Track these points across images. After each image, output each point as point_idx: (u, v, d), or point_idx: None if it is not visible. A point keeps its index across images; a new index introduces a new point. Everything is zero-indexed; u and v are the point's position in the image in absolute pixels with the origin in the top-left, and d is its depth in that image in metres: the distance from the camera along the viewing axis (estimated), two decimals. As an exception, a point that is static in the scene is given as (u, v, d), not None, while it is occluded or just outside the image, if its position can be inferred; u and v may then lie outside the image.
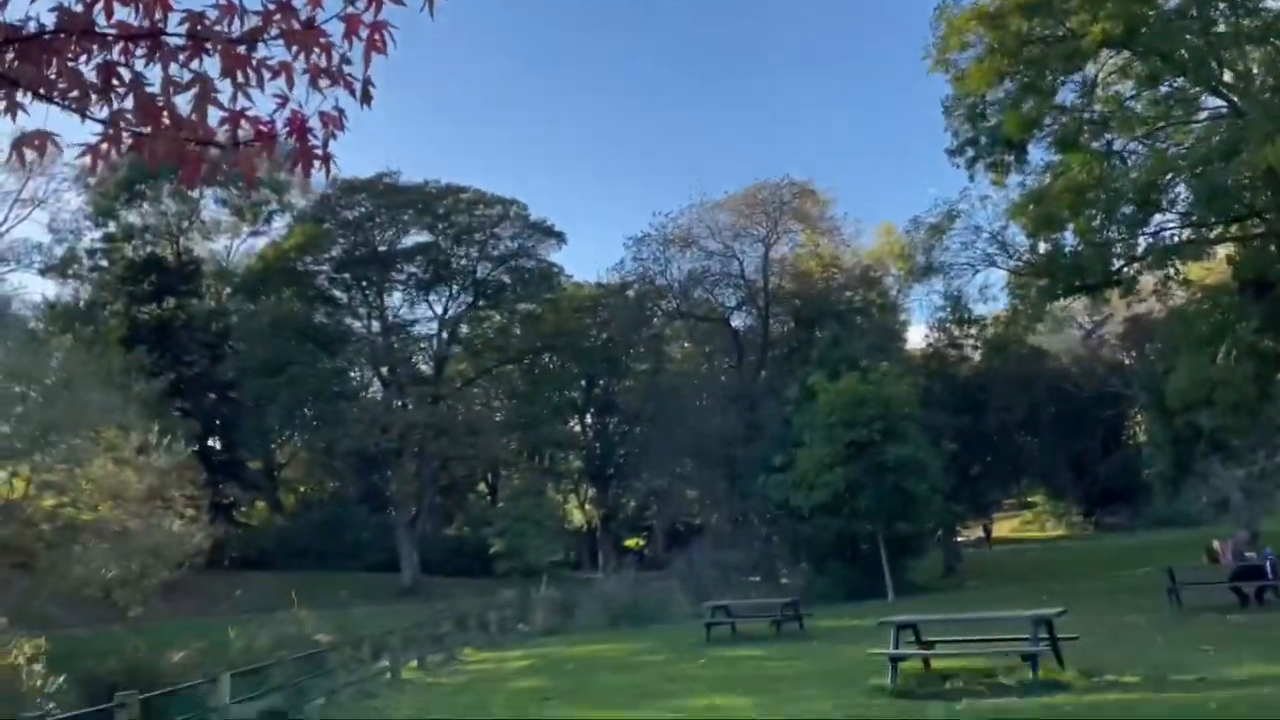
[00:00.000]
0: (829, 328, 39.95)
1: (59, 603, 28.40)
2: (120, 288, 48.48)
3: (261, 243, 56.01)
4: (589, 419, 62.72)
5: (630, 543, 41.25)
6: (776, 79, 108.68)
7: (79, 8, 3.39)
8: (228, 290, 55.88)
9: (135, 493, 29.42)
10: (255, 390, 48.21)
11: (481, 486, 64.93)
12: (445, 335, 54.88)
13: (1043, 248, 27.47)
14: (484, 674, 19.13)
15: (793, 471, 30.26)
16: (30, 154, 3.66)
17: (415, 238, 52.44)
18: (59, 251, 47.29)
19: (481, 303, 55.45)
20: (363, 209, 50.87)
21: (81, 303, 50.45)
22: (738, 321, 49.77)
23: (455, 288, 53.92)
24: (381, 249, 51.38)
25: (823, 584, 32.26)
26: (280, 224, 55.40)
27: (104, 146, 3.78)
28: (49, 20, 3.50)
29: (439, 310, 54.51)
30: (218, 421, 49.11)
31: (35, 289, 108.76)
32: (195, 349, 48.34)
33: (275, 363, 47.76)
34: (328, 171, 4.16)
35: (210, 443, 47.47)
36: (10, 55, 3.48)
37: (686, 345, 56.93)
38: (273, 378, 47.31)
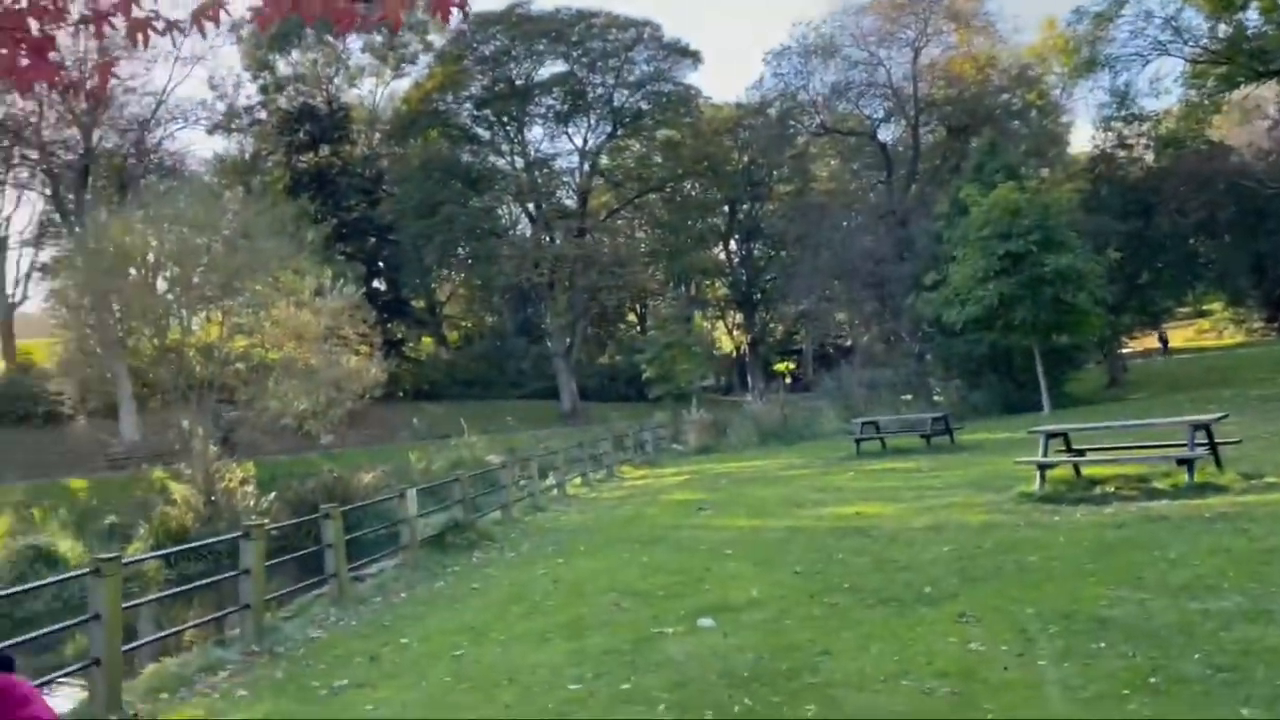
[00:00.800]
0: (984, 134, 37.86)
1: (260, 433, 31.57)
2: (279, 139, 50.63)
3: (405, 85, 56.89)
4: (734, 245, 62.46)
5: (780, 366, 41.62)
6: None
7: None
8: (377, 135, 57.44)
9: (314, 333, 31.80)
10: (412, 231, 50.25)
11: (631, 316, 66.43)
12: (587, 167, 55.12)
13: (1223, 30, 24.84)
14: (642, 489, 20.34)
15: (945, 288, 29.62)
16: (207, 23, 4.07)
17: (551, 68, 52.16)
18: (220, 107, 49.52)
19: (620, 131, 55.11)
20: (498, 42, 50.71)
21: (246, 155, 53.05)
22: (885, 134, 47.72)
23: (594, 117, 53.69)
24: (519, 83, 51.42)
25: (977, 399, 32.04)
26: (421, 65, 55.93)
27: (268, 10, 4.14)
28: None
29: (579, 142, 54.62)
30: (380, 263, 51.71)
31: (204, 145, 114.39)
32: (353, 194, 50.43)
33: (428, 204, 49.48)
34: (465, 15, 4.43)
35: (375, 284, 50.20)
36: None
37: (832, 163, 55.19)
38: (427, 219, 49.17)
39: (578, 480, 22.66)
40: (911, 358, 38.95)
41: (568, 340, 52.29)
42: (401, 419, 40.23)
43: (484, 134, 54.53)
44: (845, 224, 47.95)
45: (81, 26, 4.30)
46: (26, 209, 58.81)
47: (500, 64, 51.07)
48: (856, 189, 53.21)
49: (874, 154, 48.20)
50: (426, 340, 58.05)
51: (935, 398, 36.08)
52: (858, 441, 21.70)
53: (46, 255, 44.56)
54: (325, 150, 49.92)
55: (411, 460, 30.11)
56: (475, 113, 53.25)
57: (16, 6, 3.93)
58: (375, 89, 58.80)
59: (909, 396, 34.73)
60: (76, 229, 38.67)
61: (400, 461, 30.40)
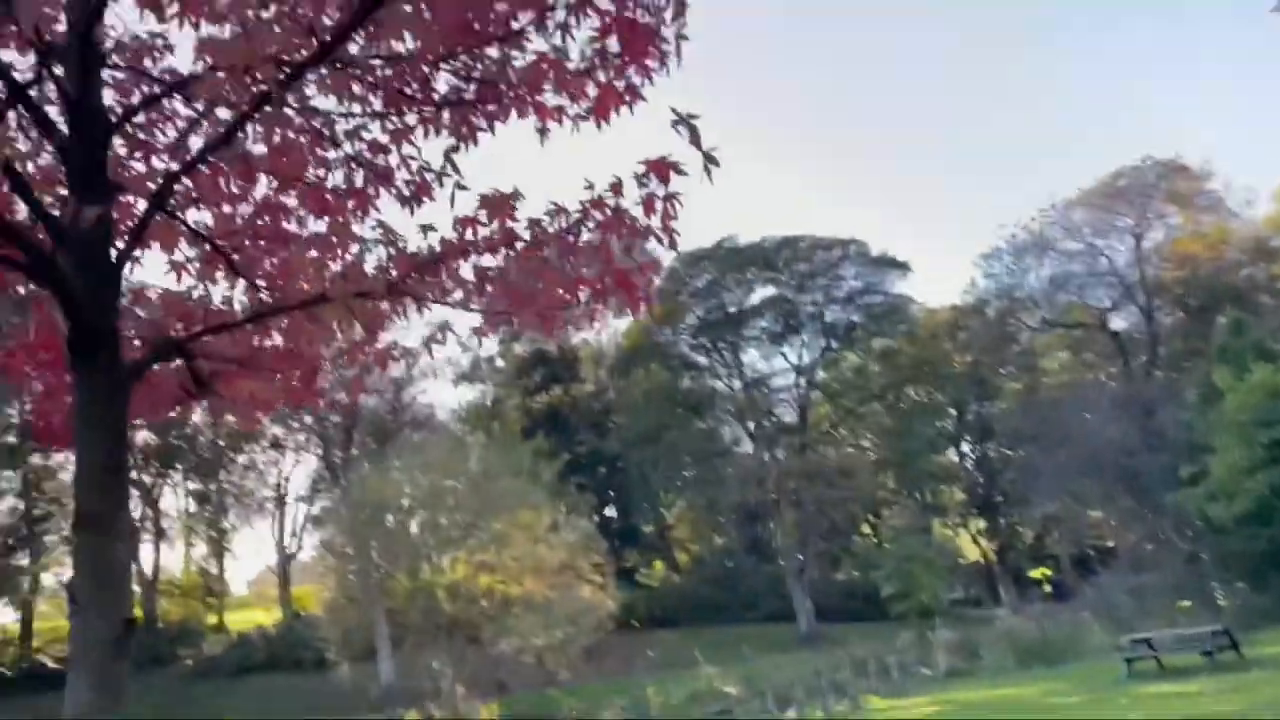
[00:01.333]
0: (1227, 313, 35.43)
1: (504, 670, 32.40)
2: (515, 384, 54.84)
3: (627, 322, 60.78)
4: (965, 448, 60.08)
5: (1035, 574, 38.64)
6: (1105, 46, 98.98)
7: (454, 236, 4.44)
8: (603, 371, 61.01)
9: (551, 566, 33.00)
10: (639, 459, 52.00)
11: (865, 528, 64.30)
12: (804, 382, 55.72)
13: None
14: (888, 723, 19.07)
15: (1206, 481, 27.04)
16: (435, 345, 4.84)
17: (761, 293, 54.26)
18: (464, 362, 54.64)
19: (835, 345, 55.75)
20: (709, 275, 53.60)
21: (487, 401, 57.62)
22: (1117, 323, 45.57)
23: (807, 334, 54.80)
24: (732, 309, 53.70)
25: (1263, 603, 28.25)
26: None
27: (486, 328, 4.88)
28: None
29: (794, 360, 55.60)
30: (611, 491, 53.44)
31: (451, 395, 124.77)
32: (583, 428, 53.21)
33: (653, 431, 51.37)
34: (650, 309, 5.03)
35: (607, 512, 51.75)
36: (411, 276, 4.58)
37: (1061, 356, 52.98)
38: (652, 445, 50.90)
39: (819, 713, 21.56)
40: (1182, 559, 35.14)
41: (799, 558, 51.11)
42: (638, 649, 40.09)
43: (702, 360, 56.72)
44: (1084, 417, 45.27)
45: (339, 358, 5.20)
46: (302, 468, 65.69)
47: (713, 294, 53.76)
48: (1091, 380, 50.51)
49: (1106, 343, 45.96)
50: (658, 565, 58.46)
51: (1220, 603, 32.15)
52: (1128, 661, 19.57)
53: (318, 508, 49.36)
54: (557, 390, 53.42)
55: (649, 695, 29.75)
56: (692, 341, 55.74)
57: (288, 349, 4.85)
58: (600, 331, 63.18)
59: (1187, 603, 31.15)
60: (342, 482, 42.82)
61: (638, 696, 30.10)
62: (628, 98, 4.32)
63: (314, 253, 4.60)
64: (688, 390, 55.73)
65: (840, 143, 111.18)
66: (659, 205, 4.23)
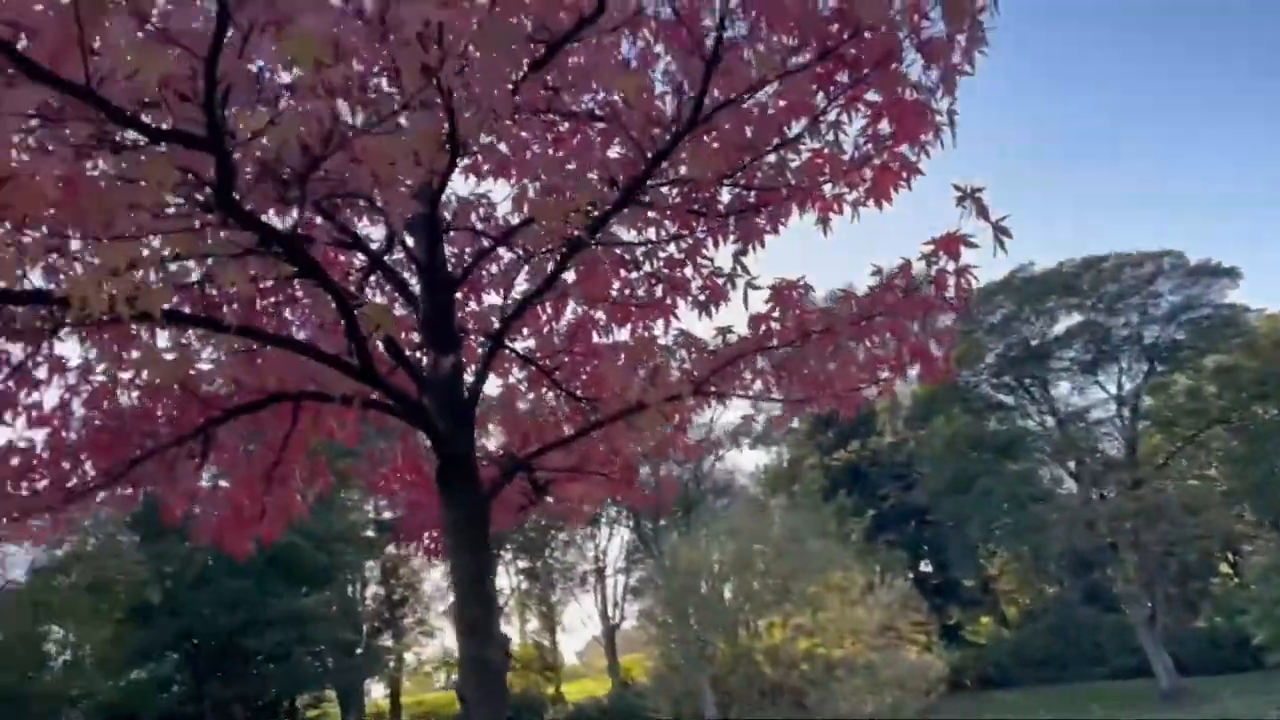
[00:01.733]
0: None
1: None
2: (810, 443, 54.48)
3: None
4: (1339, 467, 51.87)
5: None
6: None
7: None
8: (900, 421, 59.14)
9: (870, 628, 32.12)
10: (949, 510, 49.56)
11: (1224, 568, 56.99)
12: (1128, 413, 50.85)
13: None
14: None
15: None
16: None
17: (1066, 321, 50.46)
18: (759, 425, 55.16)
19: (1159, 368, 50.55)
20: (1005, 309, 50.74)
21: (784, 462, 57.60)
22: None
23: (1124, 360, 50.16)
24: (1034, 342, 50.35)
25: None
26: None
27: (785, 416, 5.04)
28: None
29: (1113, 389, 50.98)
30: (923, 546, 51.26)
31: (746, 460, 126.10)
32: (885, 482, 51.67)
33: (962, 479, 48.82)
34: (949, 375, 4.99)
35: (922, 567, 49.63)
36: (713, 376, 4.84)
37: None
38: (963, 494, 48.33)
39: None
40: None
41: (1148, 605, 46.10)
42: (975, 712, 37.80)
43: (1007, 399, 53.49)
44: None
45: (652, 454, 5.57)
46: (617, 540, 68.70)
47: (1011, 329, 50.80)
48: None
49: None
50: (984, 621, 55.00)
51: None
52: None
53: (634, 578, 51.33)
54: (854, 445, 52.41)
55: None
56: (994, 381, 52.77)
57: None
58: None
59: None
60: (655, 552, 44.36)
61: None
62: (905, 174, 4.38)
63: (623, 361, 5.01)
64: (995, 433, 52.59)
65: (1135, 144, 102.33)
66: (950, 281, 4.23)
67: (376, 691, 52.74)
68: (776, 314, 4.61)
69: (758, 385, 4.79)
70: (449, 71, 2.24)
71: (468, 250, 4.75)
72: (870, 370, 4.69)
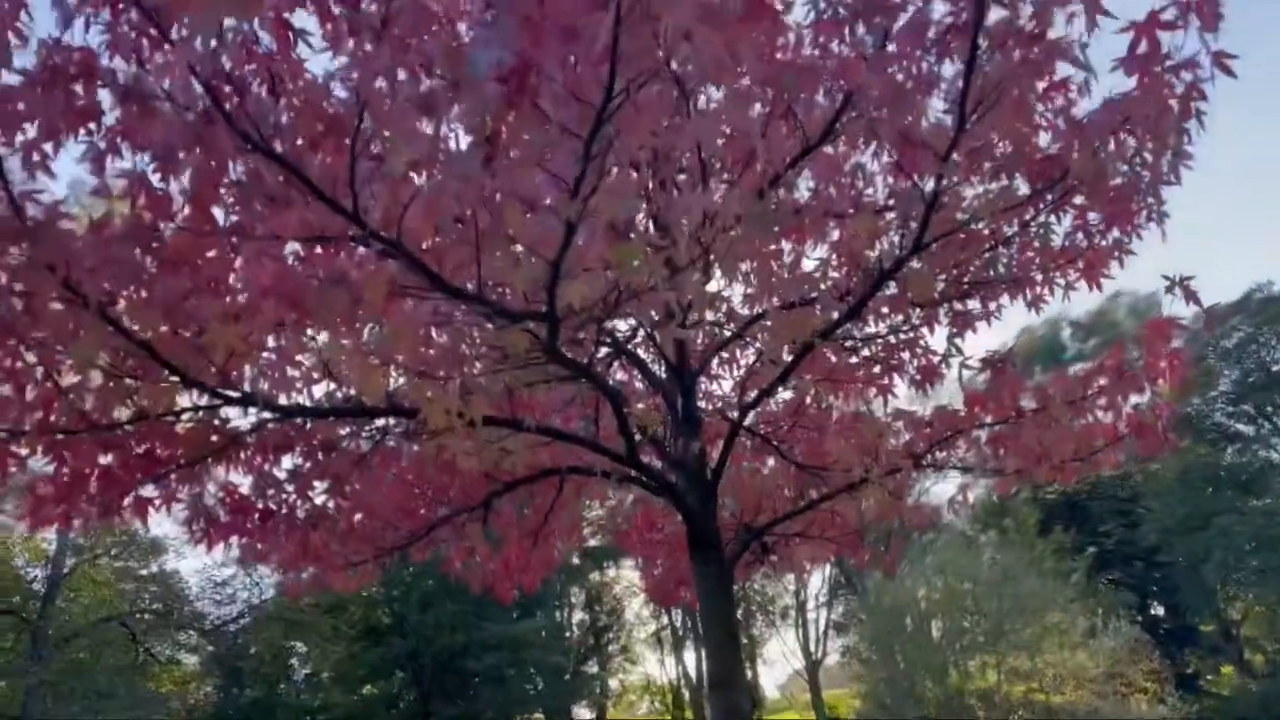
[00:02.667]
0: None
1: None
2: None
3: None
4: None
5: None
6: None
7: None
8: (1121, 454, 55.48)
9: (1093, 674, 30.33)
10: (1183, 549, 45.95)
11: None
12: (1393, 443, 45.63)
13: None
14: None
15: None
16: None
17: (1313, 344, 45.96)
18: (977, 492, 53.16)
19: None
20: (1241, 332, 46.82)
21: (994, 495, 55.16)
22: None
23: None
24: (1276, 368, 46.15)
25: None
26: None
27: (1003, 485, 5.31)
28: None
29: (1373, 416, 45.90)
30: (1153, 587, 47.66)
31: (952, 489, 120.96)
32: (1107, 517, 48.50)
33: (1195, 516, 45.19)
34: (1169, 446, 5.13)
35: (1152, 610, 46.15)
36: (932, 449, 5.19)
37: None
38: (1198, 533, 44.69)
39: None
40: None
41: None
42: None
43: (1245, 429, 49.16)
44: None
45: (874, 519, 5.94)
46: (818, 574, 67.80)
47: (1248, 353, 46.80)
48: None
49: None
50: (1226, 670, 50.35)
51: None
52: None
53: (837, 613, 50.48)
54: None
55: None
56: (1230, 409, 48.69)
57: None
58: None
59: None
60: (858, 588, 43.57)
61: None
62: (1117, 257, 4.62)
63: (843, 436, 5.45)
64: (1233, 466, 48.43)
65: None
66: (1164, 361, 4.43)
67: (584, 716, 54.42)
68: (989, 389, 4.92)
69: (974, 457, 5.10)
70: (720, 248, 2.82)
71: (702, 336, 5.35)
72: (1087, 443, 4.91)
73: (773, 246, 4.13)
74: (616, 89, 2.19)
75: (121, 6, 2.78)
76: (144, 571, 35.97)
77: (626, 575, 49.46)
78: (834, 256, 4.24)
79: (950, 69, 3.26)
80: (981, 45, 2.86)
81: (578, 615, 53.95)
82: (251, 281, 2.78)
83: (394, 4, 2.49)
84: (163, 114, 2.64)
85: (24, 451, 3.38)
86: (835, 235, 4.31)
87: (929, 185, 3.30)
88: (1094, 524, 47.66)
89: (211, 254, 2.92)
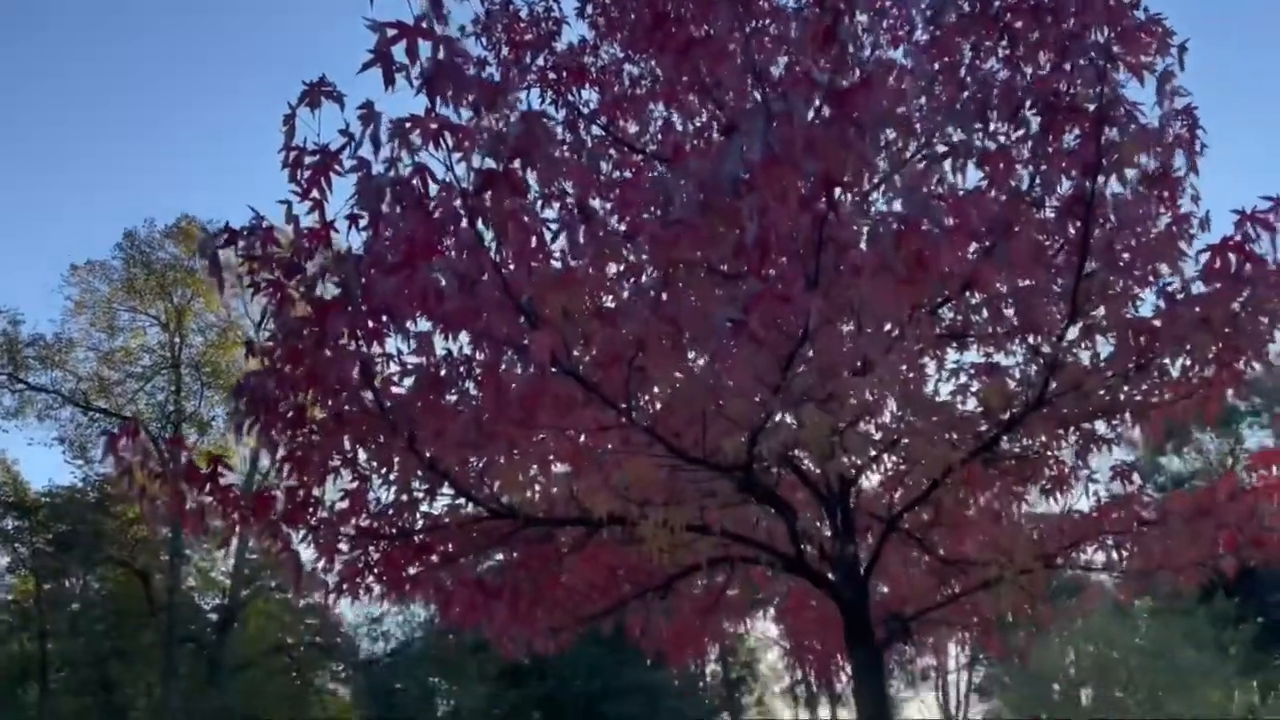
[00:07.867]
0: None
1: None
2: (1180, 538, 49.43)
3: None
4: None
5: None
6: None
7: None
8: None
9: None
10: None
11: None
12: None
13: None
14: None
15: None
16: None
17: None
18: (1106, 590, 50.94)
19: None
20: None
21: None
22: None
23: None
24: None
25: None
26: None
27: (1128, 589, 5.88)
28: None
29: None
30: (1328, 664, 44.37)
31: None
32: (1277, 586, 45.59)
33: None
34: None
35: (1327, 689, 42.91)
36: (1062, 552, 5.82)
37: None
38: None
39: None
40: None
41: None
42: None
43: None
44: None
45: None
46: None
47: None
48: None
49: None
50: None
51: None
52: None
53: (979, 675, 49.07)
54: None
55: None
56: None
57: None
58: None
59: None
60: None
61: None
62: (1232, 387, 5.21)
63: (981, 533, 6.14)
64: None
65: None
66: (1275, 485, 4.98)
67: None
68: (1118, 500, 5.55)
69: (1100, 559, 5.71)
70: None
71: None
72: (1210, 551, 5.45)
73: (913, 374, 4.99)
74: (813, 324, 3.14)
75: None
76: (303, 603, 38.27)
77: (760, 626, 49.31)
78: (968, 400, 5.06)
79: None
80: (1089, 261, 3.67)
81: (711, 666, 54.17)
82: (548, 449, 3.88)
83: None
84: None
85: (344, 546, 4.54)
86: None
87: (1045, 348, 4.07)
88: (1261, 593, 44.89)
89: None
